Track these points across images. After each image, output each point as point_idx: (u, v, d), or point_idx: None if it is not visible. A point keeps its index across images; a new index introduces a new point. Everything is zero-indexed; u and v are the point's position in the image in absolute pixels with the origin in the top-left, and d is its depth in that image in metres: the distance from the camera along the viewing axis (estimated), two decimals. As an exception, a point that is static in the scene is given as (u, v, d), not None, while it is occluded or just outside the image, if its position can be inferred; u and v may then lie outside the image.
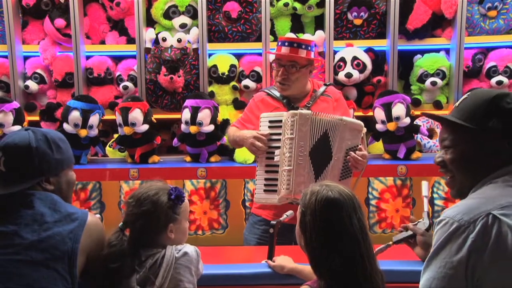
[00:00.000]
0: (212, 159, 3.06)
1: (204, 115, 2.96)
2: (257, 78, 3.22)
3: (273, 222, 1.77)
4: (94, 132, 3.02)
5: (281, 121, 2.03)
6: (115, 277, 1.47)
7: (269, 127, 2.08)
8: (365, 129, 2.15)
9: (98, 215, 1.79)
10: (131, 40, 3.24)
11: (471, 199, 1.25)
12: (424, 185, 1.88)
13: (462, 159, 1.31)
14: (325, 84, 2.38)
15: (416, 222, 1.78)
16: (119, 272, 1.47)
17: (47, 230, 1.39)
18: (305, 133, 1.97)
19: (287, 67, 2.20)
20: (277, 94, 2.30)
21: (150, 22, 3.28)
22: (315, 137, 2.01)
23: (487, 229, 1.14)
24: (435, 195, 3.06)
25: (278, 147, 2.03)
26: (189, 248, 1.56)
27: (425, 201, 1.85)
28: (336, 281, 1.27)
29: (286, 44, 2.20)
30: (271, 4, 3.16)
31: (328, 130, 2.03)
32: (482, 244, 1.14)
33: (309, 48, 2.24)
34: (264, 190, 2.07)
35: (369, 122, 3.11)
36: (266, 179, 2.07)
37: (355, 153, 2.08)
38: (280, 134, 2.03)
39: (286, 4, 3.14)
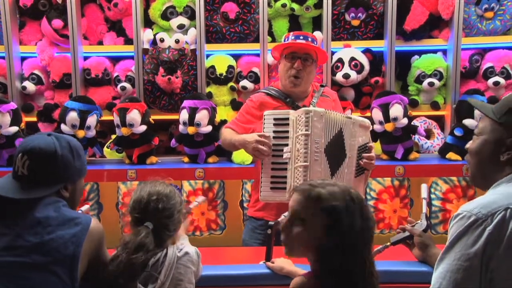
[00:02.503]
0: (210, 159, 3.06)
1: (202, 116, 2.96)
2: (255, 79, 3.22)
3: (271, 223, 1.77)
4: (92, 133, 3.01)
5: (287, 118, 2.03)
6: (128, 278, 1.46)
7: (274, 124, 2.07)
8: (371, 126, 2.16)
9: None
10: (128, 41, 3.24)
11: (489, 196, 1.26)
12: (424, 188, 1.90)
13: (481, 149, 1.33)
14: (321, 85, 2.40)
15: (414, 224, 1.78)
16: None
17: (50, 233, 1.39)
18: (320, 130, 1.97)
19: (303, 59, 2.23)
20: (277, 93, 2.30)
21: (148, 23, 3.28)
22: (330, 134, 2.01)
23: (505, 222, 1.15)
24: (432, 196, 3.06)
25: (284, 145, 2.02)
26: (190, 249, 1.57)
27: (424, 203, 1.86)
28: (338, 279, 1.26)
29: (301, 37, 2.26)
30: (269, 5, 3.16)
31: (343, 128, 2.05)
32: (499, 236, 1.15)
33: (317, 45, 2.31)
34: (271, 188, 2.04)
35: (367, 122, 3.12)
36: (272, 177, 2.05)
37: (366, 150, 2.11)
38: (286, 131, 2.03)
39: (284, 5, 3.15)
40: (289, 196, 1.98)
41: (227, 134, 2.34)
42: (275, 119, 2.07)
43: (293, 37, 2.27)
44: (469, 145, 1.39)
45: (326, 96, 2.34)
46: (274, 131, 2.06)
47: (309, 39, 2.26)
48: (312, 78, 2.31)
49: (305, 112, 1.98)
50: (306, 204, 1.29)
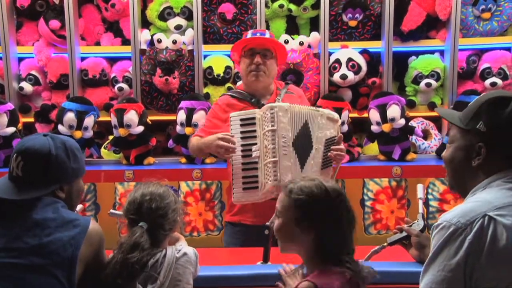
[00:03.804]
0: (207, 160, 3.06)
1: (199, 117, 2.95)
2: (253, 80, 3.21)
3: (268, 223, 1.77)
4: (89, 133, 3.01)
5: (253, 118, 2.06)
6: (126, 278, 1.46)
7: (241, 125, 2.09)
8: (340, 120, 2.18)
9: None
10: (126, 42, 3.24)
11: (467, 204, 1.26)
12: (420, 188, 1.91)
13: (453, 156, 1.34)
14: (286, 83, 2.44)
15: (411, 224, 1.79)
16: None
17: (48, 236, 1.38)
18: (286, 124, 2.01)
19: (262, 54, 2.26)
20: (241, 95, 2.32)
21: (145, 23, 3.28)
22: (296, 127, 2.04)
23: (483, 230, 1.16)
24: (430, 196, 3.06)
25: (253, 144, 2.05)
26: (188, 250, 1.57)
27: (420, 203, 1.86)
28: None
29: (258, 34, 2.33)
30: (266, 6, 3.16)
31: (308, 120, 2.07)
32: (479, 245, 1.15)
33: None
34: (244, 189, 2.05)
35: (364, 123, 3.12)
36: (244, 177, 2.05)
37: (334, 143, 2.11)
38: (253, 131, 2.05)
39: (281, 6, 3.15)
40: (262, 195, 2.00)
41: (193, 141, 2.34)
42: (241, 119, 2.09)
43: (250, 35, 2.33)
44: (443, 154, 1.41)
45: (291, 93, 2.36)
46: (241, 132, 2.08)
47: (266, 35, 2.32)
48: (274, 73, 2.33)
49: (270, 108, 2.02)
50: (281, 198, 1.42)
